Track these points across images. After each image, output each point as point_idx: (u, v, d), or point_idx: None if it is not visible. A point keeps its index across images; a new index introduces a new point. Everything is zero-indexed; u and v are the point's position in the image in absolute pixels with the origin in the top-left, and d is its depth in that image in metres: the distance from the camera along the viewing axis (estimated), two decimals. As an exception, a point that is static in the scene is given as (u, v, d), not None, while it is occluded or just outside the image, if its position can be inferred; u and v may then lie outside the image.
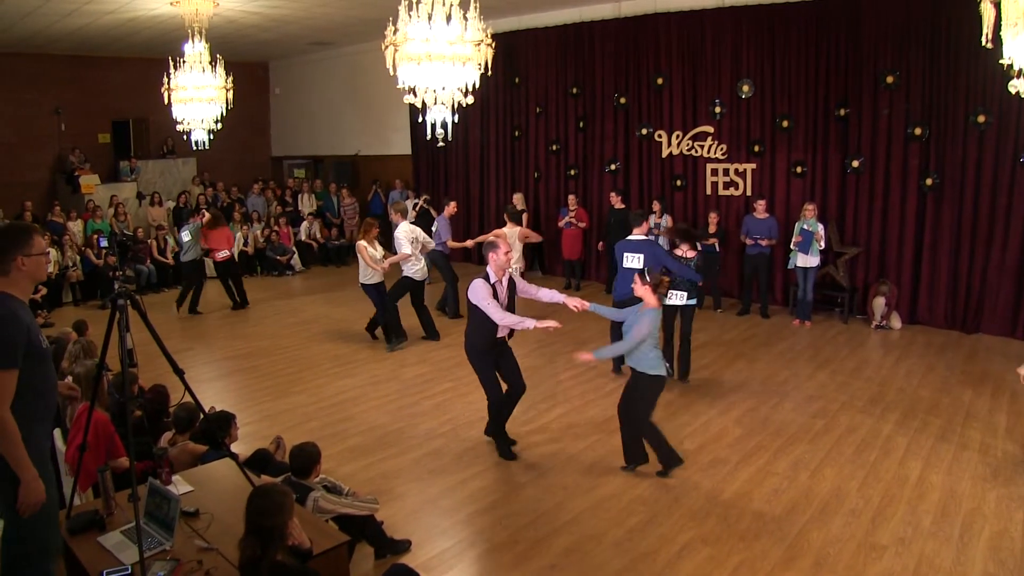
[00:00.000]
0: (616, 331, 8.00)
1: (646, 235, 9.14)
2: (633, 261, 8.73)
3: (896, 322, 11.59)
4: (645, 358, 6.44)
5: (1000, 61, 5.26)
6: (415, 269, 10.52)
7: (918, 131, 11.33)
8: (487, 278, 6.72)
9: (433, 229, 12.54)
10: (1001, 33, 5.09)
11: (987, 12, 5.14)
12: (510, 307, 6.85)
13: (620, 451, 6.93)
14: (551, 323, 6.47)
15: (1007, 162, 10.73)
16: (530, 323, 6.52)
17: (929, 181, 11.36)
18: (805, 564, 5.26)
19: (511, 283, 6.90)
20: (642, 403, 6.57)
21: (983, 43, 5.20)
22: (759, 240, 11.96)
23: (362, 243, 10.48)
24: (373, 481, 6.55)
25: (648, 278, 6.47)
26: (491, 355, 6.97)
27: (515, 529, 5.77)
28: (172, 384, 5.77)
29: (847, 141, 12.11)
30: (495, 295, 6.68)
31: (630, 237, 9.06)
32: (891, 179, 11.75)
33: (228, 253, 13.22)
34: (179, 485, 4.73)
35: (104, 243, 14.56)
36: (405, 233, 10.45)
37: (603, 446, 7.27)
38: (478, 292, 6.65)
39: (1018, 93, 5.19)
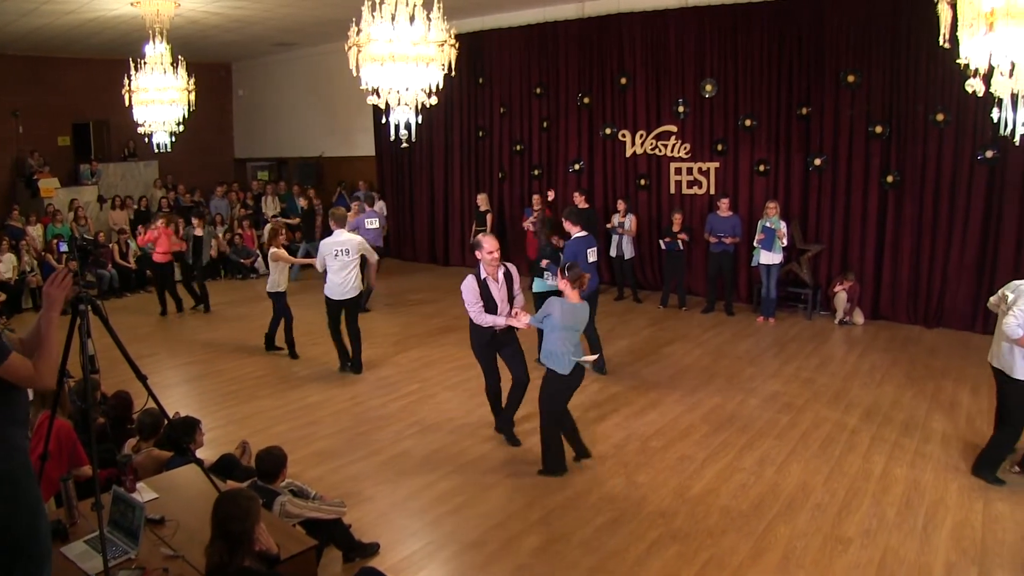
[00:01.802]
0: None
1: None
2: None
3: (859, 318, 11.71)
4: (553, 355, 6.52)
5: (957, 61, 5.33)
6: (329, 287, 9.52)
7: (879, 129, 11.48)
8: (477, 275, 7.03)
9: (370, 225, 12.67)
10: (958, 33, 5.15)
11: (944, 13, 5.20)
12: (509, 300, 7.15)
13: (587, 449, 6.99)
14: (514, 321, 6.91)
15: (965, 160, 10.91)
16: (501, 320, 6.93)
17: (890, 179, 11.51)
18: (773, 558, 5.30)
19: (508, 277, 7.14)
20: (549, 401, 6.65)
21: (941, 43, 5.27)
22: (723, 238, 12.03)
23: (275, 249, 10.19)
24: (340, 484, 6.51)
25: (568, 273, 6.57)
26: (490, 346, 7.28)
27: (484, 530, 5.77)
28: (136, 390, 5.70)
29: (809, 139, 12.24)
30: (487, 292, 7.02)
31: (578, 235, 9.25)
32: (853, 177, 11.89)
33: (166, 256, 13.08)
34: (144, 492, 4.67)
35: (64, 248, 14.38)
36: (322, 247, 9.58)
37: (570, 447, 7.28)
38: (466, 291, 7.03)
39: (975, 92, 5.25)
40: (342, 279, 9.38)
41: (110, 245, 15.33)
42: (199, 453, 5.62)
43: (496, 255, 7.03)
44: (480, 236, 7.18)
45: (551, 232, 10.14)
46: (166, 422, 5.44)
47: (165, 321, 12.84)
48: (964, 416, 7.84)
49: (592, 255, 9.08)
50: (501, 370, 7.45)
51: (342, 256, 9.35)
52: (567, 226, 9.15)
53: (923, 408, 8.20)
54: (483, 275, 7.04)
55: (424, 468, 6.88)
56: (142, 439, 5.79)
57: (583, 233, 9.05)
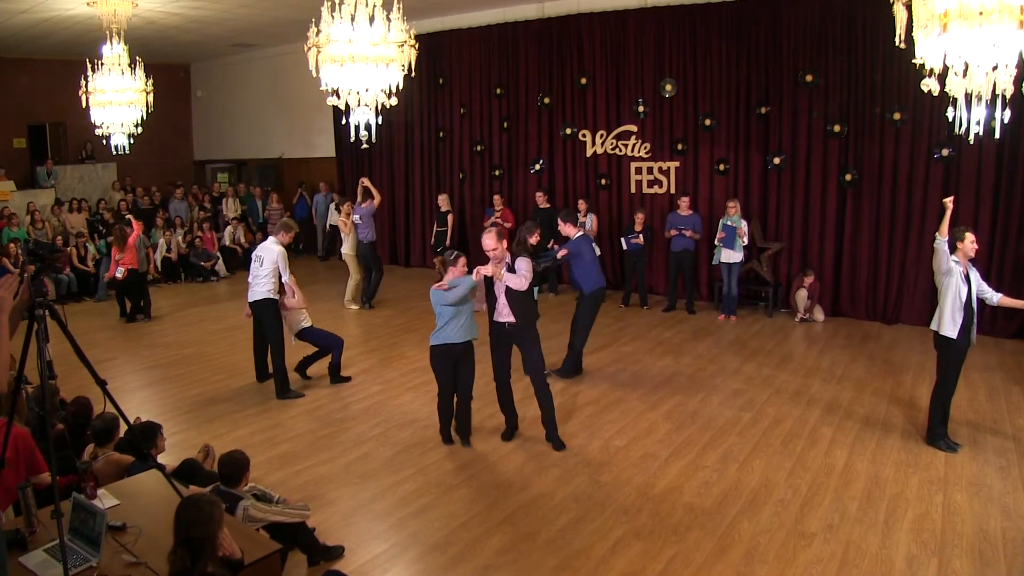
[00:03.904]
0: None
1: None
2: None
3: (819, 315, 11.85)
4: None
5: (913, 61, 5.42)
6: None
7: (837, 128, 11.62)
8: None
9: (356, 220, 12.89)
10: (913, 34, 5.24)
11: (900, 14, 5.28)
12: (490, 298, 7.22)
13: (551, 450, 7.04)
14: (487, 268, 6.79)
15: (922, 157, 11.09)
16: (486, 269, 6.82)
17: (848, 177, 11.66)
18: (736, 554, 5.33)
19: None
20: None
21: (897, 44, 5.35)
22: (683, 231, 12.13)
23: None
24: (304, 487, 6.47)
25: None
26: (491, 337, 7.36)
27: (449, 531, 5.75)
28: (95, 395, 5.62)
29: (768, 139, 12.37)
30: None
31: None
32: (812, 175, 12.04)
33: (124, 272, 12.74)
34: (105, 499, 4.60)
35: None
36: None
37: (534, 445, 7.29)
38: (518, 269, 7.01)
39: (930, 92, 5.34)
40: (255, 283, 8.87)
41: (68, 249, 15.12)
42: (161, 458, 5.56)
43: (497, 252, 6.95)
44: (484, 234, 7.04)
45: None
46: (126, 427, 5.38)
47: (125, 325, 12.67)
48: (923, 411, 7.91)
49: (596, 249, 9.37)
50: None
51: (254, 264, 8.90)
52: (566, 229, 9.12)
53: (883, 403, 8.30)
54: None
55: (388, 470, 6.84)
56: (97, 445, 5.71)
57: (580, 233, 9.11)
